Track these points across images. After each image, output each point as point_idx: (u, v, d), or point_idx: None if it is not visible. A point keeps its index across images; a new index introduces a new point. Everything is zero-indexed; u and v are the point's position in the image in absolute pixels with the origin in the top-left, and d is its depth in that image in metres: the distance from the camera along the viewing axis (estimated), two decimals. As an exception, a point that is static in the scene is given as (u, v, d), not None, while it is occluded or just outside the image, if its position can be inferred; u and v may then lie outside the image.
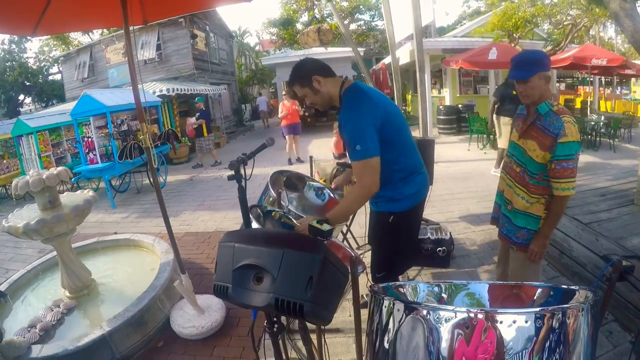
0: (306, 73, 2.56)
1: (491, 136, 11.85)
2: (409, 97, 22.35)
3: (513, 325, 1.19)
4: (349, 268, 1.78)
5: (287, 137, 11.66)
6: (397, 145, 2.58)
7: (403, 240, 2.84)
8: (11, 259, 6.26)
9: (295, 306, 1.38)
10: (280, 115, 11.63)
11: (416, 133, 8.74)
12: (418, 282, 1.83)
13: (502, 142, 8.09)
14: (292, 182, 3.61)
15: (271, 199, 3.08)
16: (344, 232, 4.61)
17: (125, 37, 3.39)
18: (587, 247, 4.11)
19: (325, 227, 2.05)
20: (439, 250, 4.59)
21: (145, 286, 4.03)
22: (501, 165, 3.50)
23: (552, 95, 2.67)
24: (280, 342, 2.05)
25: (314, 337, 2.28)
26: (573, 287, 1.59)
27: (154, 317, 3.81)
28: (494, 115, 8.34)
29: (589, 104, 15.63)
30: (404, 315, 1.33)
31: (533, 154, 2.64)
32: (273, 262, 1.45)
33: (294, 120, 11.47)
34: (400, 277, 3.33)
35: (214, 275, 1.64)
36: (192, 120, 12.43)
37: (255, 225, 2.28)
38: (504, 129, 8.02)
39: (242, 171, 2.26)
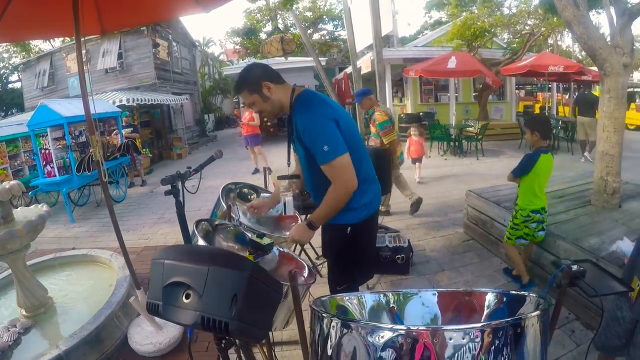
0: (255, 79, 2.44)
1: (451, 143, 12.19)
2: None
3: (454, 341, 1.16)
4: (290, 282, 1.79)
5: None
6: (355, 151, 2.48)
7: (362, 251, 2.76)
8: (-37, 277, 6.03)
9: (221, 324, 1.36)
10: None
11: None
12: (364, 293, 1.83)
13: (581, 135, 11.00)
14: (245, 194, 3.59)
15: (223, 211, 3.06)
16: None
17: (76, 46, 3.35)
18: (546, 249, 4.24)
19: (265, 240, 2.04)
20: (398, 258, 4.65)
21: (103, 303, 3.94)
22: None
23: (375, 105, 6.49)
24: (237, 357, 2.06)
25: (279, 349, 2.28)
26: (523, 293, 1.60)
27: (111, 335, 3.73)
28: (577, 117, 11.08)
29: (547, 109, 16.09)
30: (341, 332, 1.31)
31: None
32: (199, 279, 1.42)
33: (246, 132, 11.34)
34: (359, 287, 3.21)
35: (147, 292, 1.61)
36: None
37: (200, 240, 2.25)
38: (580, 126, 10.89)
39: (179, 186, 2.25)
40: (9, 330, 3.83)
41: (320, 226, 2.65)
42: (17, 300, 4.17)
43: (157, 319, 3.71)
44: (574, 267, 1.70)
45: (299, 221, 3.12)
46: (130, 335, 3.74)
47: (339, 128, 2.38)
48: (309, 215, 2.59)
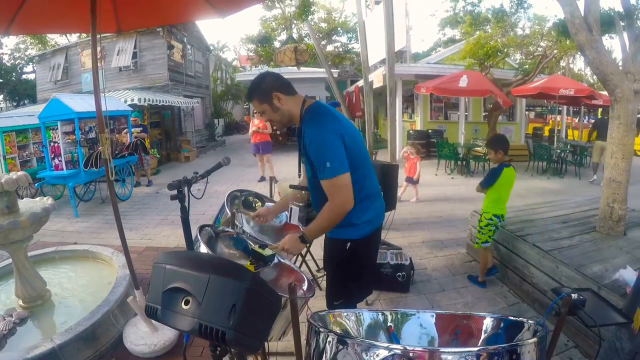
0: (266, 88, 2.45)
1: (459, 162, 12.19)
2: (380, 120, 22.63)
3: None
4: (289, 294, 1.78)
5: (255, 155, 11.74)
6: (360, 167, 2.50)
7: (361, 268, 2.74)
8: (-37, 264, 6.05)
9: (218, 333, 1.36)
10: (249, 132, 11.61)
11: (386, 156, 8.90)
12: (362, 310, 1.83)
13: (595, 158, 11.16)
14: (250, 202, 3.59)
15: (227, 218, 3.06)
16: (303, 253, 4.61)
17: (92, 42, 3.38)
18: (548, 274, 4.18)
19: (267, 252, 2.05)
20: (399, 275, 4.62)
21: (101, 300, 3.94)
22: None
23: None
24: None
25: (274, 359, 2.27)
26: (521, 319, 1.60)
27: (107, 333, 3.72)
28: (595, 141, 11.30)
29: (556, 132, 16.07)
30: (337, 348, 1.31)
31: None
32: (199, 286, 1.43)
33: (257, 139, 11.32)
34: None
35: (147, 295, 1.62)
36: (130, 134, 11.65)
37: (202, 246, 2.25)
38: (597, 150, 11.00)
39: (185, 191, 2.25)
40: (5, 319, 3.83)
41: (324, 239, 2.66)
42: (15, 290, 4.16)
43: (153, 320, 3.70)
44: (574, 296, 1.67)
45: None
46: (125, 335, 3.73)
47: (345, 144, 2.38)
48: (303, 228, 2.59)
